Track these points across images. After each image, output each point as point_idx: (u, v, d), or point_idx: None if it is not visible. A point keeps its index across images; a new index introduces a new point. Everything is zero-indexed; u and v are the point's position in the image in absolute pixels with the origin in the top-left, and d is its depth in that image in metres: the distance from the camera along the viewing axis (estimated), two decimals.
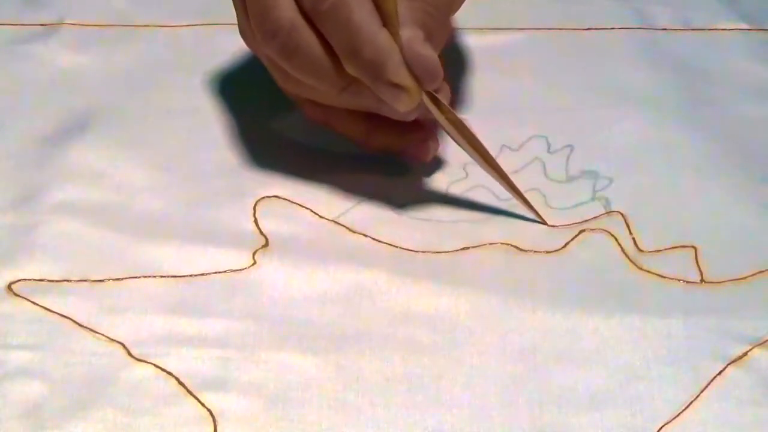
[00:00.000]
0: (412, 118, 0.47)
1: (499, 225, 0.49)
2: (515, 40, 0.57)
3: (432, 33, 0.46)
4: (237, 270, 0.47)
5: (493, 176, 0.49)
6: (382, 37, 0.44)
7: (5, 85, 0.54)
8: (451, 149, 0.52)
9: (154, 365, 0.44)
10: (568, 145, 0.52)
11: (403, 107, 0.46)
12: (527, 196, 0.50)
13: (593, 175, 0.51)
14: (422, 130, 0.50)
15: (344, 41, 0.44)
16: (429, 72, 0.45)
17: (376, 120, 0.49)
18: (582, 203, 0.50)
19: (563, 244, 0.48)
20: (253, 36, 0.47)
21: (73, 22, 0.57)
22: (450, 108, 0.47)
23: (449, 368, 0.44)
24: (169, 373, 0.43)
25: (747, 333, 0.45)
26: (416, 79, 0.45)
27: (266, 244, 0.48)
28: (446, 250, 0.48)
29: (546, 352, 0.45)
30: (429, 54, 0.45)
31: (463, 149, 0.49)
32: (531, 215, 0.49)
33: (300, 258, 0.47)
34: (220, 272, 0.47)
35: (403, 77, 0.45)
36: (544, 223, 0.49)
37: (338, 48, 0.45)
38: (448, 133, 0.48)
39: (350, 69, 0.45)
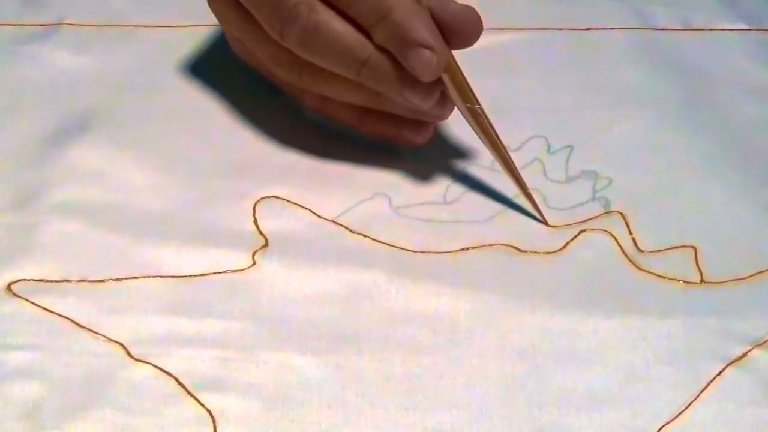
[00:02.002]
0: (426, 105, 0.48)
1: (498, 225, 0.49)
2: (515, 40, 0.57)
3: None
4: (236, 270, 0.47)
5: (501, 166, 0.50)
6: (409, 0, 0.46)
7: (5, 85, 0.54)
8: (450, 149, 0.52)
9: (154, 365, 0.44)
10: (568, 145, 0.52)
11: (428, 72, 0.46)
12: None
13: (593, 175, 0.51)
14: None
15: (372, 7, 0.46)
16: (470, 22, 0.47)
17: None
18: (582, 203, 0.50)
19: (563, 245, 0.48)
20: (256, 39, 0.48)
21: (73, 23, 0.57)
22: (467, 92, 0.48)
23: (449, 368, 0.44)
24: (169, 374, 0.43)
25: (747, 333, 0.45)
26: (456, 35, 0.47)
27: (266, 245, 0.48)
28: (446, 250, 0.48)
29: (546, 353, 0.44)
30: (465, 6, 0.47)
31: (477, 135, 0.49)
32: (534, 212, 0.49)
33: (299, 258, 0.47)
34: (219, 272, 0.47)
35: (431, 38, 0.46)
36: (545, 222, 0.49)
37: (365, 16, 0.46)
38: (465, 117, 0.49)
39: (378, 36, 0.46)
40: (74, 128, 0.52)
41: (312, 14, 0.46)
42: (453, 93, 0.48)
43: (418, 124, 0.50)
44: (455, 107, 0.49)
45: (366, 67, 0.47)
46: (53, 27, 0.57)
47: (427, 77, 0.46)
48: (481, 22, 0.47)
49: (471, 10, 0.47)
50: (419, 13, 0.46)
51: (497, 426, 0.42)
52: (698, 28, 0.58)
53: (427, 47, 0.46)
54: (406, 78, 0.47)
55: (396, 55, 0.46)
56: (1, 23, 0.57)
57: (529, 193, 0.49)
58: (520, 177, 0.49)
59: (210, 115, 0.53)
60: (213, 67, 0.55)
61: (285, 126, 0.53)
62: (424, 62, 0.46)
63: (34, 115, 0.53)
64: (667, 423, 0.42)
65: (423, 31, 0.46)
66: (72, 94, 0.54)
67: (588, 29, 0.58)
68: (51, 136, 0.52)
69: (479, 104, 0.48)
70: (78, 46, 0.56)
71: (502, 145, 0.49)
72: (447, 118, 0.50)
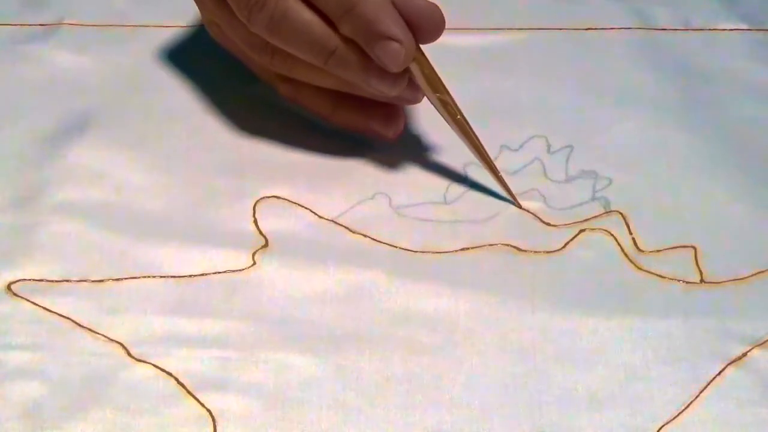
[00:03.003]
0: (393, 93, 0.48)
1: (498, 225, 0.49)
2: (515, 40, 0.57)
3: None
4: (236, 270, 0.47)
5: (473, 153, 0.50)
6: None
7: (5, 85, 0.54)
8: (450, 149, 0.52)
9: (154, 365, 0.44)
10: (568, 145, 0.52)
11: (396, 64, 0.47)
12: (527, 196, 0.50)
13: (593, 175, 0.51)
14: (387, 106, 0.50)
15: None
16: (433, 19, 0.47)
17: (342, 95, 0.50)
18: (582, 203, 0.50)
19: (563, 244, 0.48)
20: (230, 22, 0.49)
21: (73, 22, 0.57)
22: (436, 82, 0.48)
23: (449, 368, 0.44)
24: (169, 373, 0.43)
25: (747, 333, 0.45)
26: (420, 31, 0.47)
27: (266, 245, 0.48)
28: (446, 250, 0.48)
29: (546, 352, 0.45)
30: (428, 3, 0.47)
31: (448, 124, 0.50)
32: (506, 195, 0.50)
33: (300, 258, 0.47)
34: (219, 272, 0.47)
35: (399, 30, 0.46)
36: (518, 205, 0.49)
37: (331, 8, 0.46)
38: (434, 105, 0.49)
39: (344, 28, 0.46)
40: (74, 128, 0.52)
41: (280, 2, 0.46)
42: (422, 83, 0.48)
43: (388, 117, 0.51)
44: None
45: (333, 57, 0.47)
46: (53, 27, 0.57)
47: (394, 68, 0.47)
48: (444, 19, 0.47)
49: (434, 7, 0.47)
50: (385, 6, 0.46)
51: (497, 426, 0.42)
52: (698, 28, 0.58)
53: (394, 39, 0.46)
54: (373, 68, 0.47)
55: (363, 47, 0.47)
56: (1, 23, 0.57)
57: (501, 176, 0.50)
58: (492, 162, 0.50)
59: (210, 115, 0.53)
60: (213, 68, 0.55)
61: (285, 126, 0.53)
62: (391, 54, 0.46)
63: (34, 115, 0.53)
64: (667, 423, 0.42)
65: (389, 23, 0.46)
66: (72, 94, 0.54)
67: (588, 29, 0.58)
68: (51, 136, 0.52)
69: (448, 93, 0.49)
70: (78, 46, 0.56)
71: (472, 130, 0.49)
72: (420, 102, 0.50)
